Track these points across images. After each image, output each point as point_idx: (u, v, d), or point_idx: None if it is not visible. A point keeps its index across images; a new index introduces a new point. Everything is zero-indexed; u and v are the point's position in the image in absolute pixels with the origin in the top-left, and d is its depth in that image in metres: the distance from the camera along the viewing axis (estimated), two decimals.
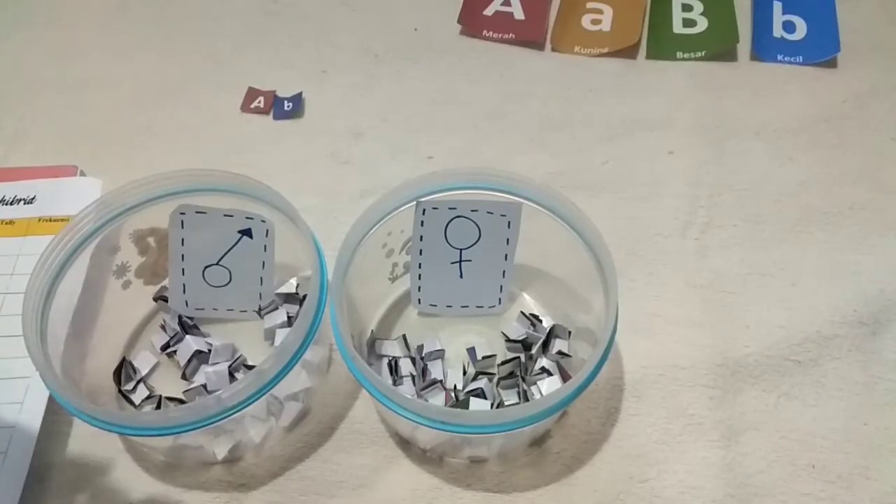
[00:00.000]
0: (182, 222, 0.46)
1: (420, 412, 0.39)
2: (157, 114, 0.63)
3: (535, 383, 0.47)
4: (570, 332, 0.49)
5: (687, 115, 0.61)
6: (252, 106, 0.63)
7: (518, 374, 0.47)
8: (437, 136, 0.61)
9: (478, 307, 0.49)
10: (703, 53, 0.65)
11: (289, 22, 0.70)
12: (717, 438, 0.46)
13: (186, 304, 0.49)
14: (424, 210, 0.44)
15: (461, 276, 0.47)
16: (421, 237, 0.46)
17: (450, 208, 0.44)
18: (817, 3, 0.67)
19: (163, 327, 0.50)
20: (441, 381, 0.47)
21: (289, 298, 0.50)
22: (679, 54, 0.65)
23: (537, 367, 0.48)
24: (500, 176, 0.46)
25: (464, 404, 0.46)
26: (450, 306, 0.49)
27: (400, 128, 0.62)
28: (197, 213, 0.45)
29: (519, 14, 0.69)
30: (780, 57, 0.64)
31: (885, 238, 0.54)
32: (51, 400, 0.46)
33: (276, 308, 0.49)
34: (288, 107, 0.63)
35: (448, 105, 0.63)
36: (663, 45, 0.66)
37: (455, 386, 0.47)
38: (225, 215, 0.45)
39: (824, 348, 0.49)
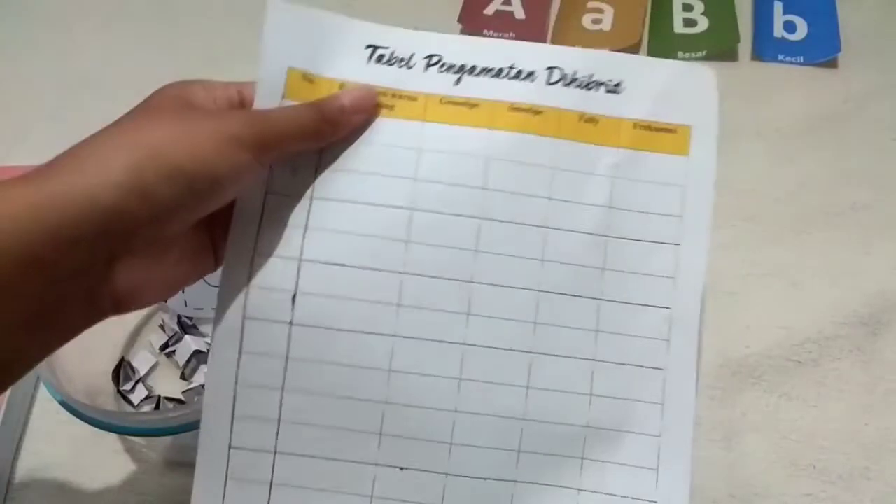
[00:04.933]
0: None
1: None
2: None
3: None
4: None
5: None
6: None
7: None
8: None
9: None
10: (703, 53, 0.65)
11: None
12: (717, 439, 0.46)
13: (185, 304, 0.49)
14: None
15: None
16: None
17: None
18: (818, 4, 0.67)
19: (161, 327, 0.50)
20: None
21: None
22: (679, 54, 0.65)
23: None
24: None
25: None
26: None
27: None
28: None
29: (519, 13, 0.69)
30: (780, 57, 0.64)
31: (885, 238, 0.54)
32: (49, 399, 0.46)
33: None
34: None
35: None
36: (664, 44, 0.66)
37: None
38: None
39: (825, 349, 0.49)
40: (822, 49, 0.64)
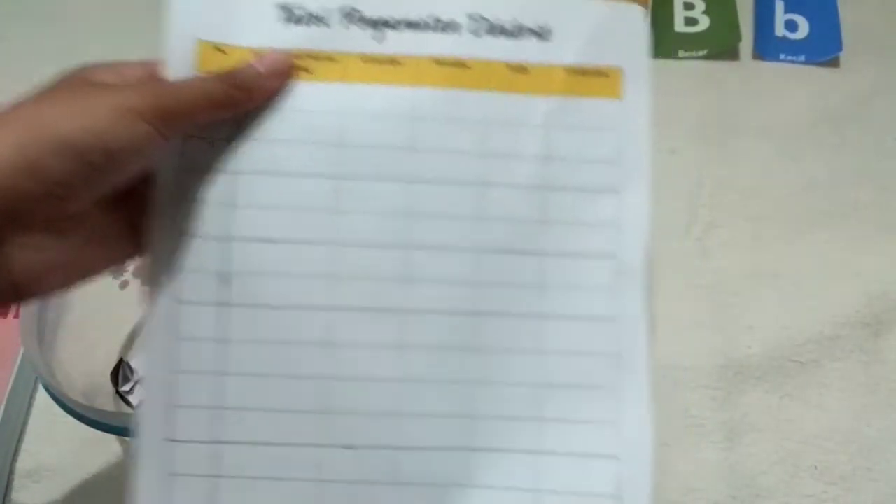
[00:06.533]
0: None
1: None
2: None
3: None
4: None
5: (689, 115, 0.61)
6: None
7: None
8: None
9: None
10: (704, 52, 0.65)
11: None
12: (719, 440, 0.46)
13: None
14: None
15: None
16: None
17: None
18: (819, 2, 0.67)
19: None
20: None
21: None
22: (681, 53, 0.65)
23: None
24: None
25: None
26: None
27: None
28: None
29: None
30: (782, 56, 0.64)
31: (887, 238, 0.54)
32: (47, 400, 0.46)
33: None
34: None
35: None
36: (665, 43, 0.65)
37: None
38: None
39: (827, 349, 0.49)
40: (823, 48, 0.64)
